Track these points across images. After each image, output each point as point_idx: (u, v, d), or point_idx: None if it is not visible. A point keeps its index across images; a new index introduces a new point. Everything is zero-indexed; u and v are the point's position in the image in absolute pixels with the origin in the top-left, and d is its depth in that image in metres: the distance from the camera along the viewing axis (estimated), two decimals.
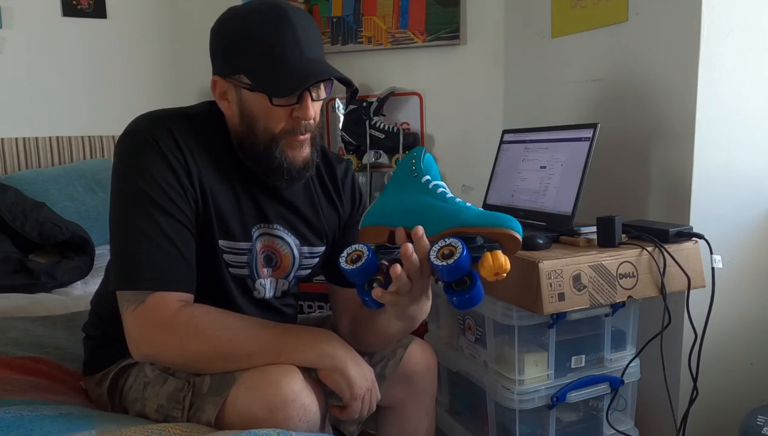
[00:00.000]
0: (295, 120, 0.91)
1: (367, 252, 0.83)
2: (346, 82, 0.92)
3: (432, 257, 0.79)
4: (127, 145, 0.90)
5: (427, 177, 0.91)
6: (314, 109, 0.91)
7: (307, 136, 0.93)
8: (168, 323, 0.85)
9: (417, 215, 0.86)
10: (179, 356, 0.87)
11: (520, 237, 0.81)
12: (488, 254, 0.78)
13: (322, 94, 0.93)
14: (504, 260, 0.78)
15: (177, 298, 0.86)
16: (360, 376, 0.91)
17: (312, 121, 0.92)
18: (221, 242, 0.94)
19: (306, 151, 0.95)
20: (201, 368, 0.87)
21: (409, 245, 0.79)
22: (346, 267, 0.83)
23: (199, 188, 0.91)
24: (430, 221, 0.85)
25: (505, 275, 0.79)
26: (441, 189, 0.89)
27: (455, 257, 0.77)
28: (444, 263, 0.78)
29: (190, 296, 0.89)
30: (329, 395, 0.92)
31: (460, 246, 0.78)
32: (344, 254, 0.85)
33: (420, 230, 0.81)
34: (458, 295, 0.80)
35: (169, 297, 0.85)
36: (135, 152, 0.88)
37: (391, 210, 0.89)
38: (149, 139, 0.88)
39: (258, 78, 0.88)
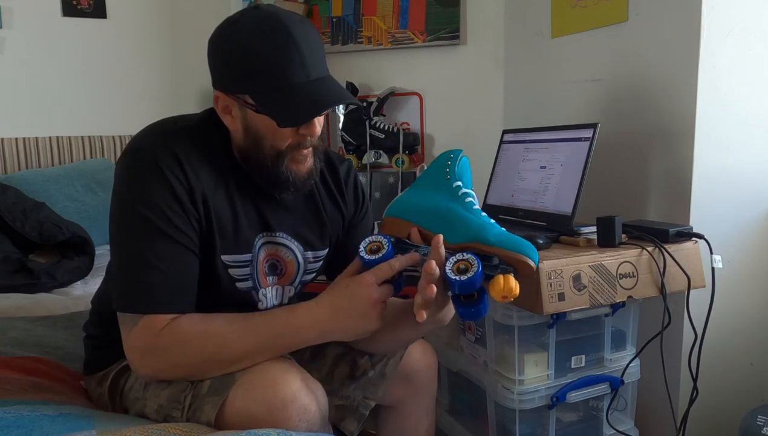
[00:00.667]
0: (301, 136, 0.90)
1: (387, 245, 0.86)
2: (355, 103, 0.93)
3: (447, 269, 0.81)
4: (129, 165, 0.89)
5: (459, 183, 0.92)
6: (319, 123, 0.92)
7: (311, 148, 0.93)
8: (154, 345, 0.85)
9: (441, 219, 0.88)
10: (174, 372, 0.88)
11: (535, 266, 0.82)
12: (501, 277, 0.80)
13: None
14: (514, 285, 0.80)
15: (169, 319, 0.86)
16: (359, 318, 0.85)
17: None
18: (225, 257, 0.94)
19: (310, 162, 0.95)
20: (200, 376, 0.87)
21: (433, 263, 0.80)
22: (366, 257, 0.86)
23: (202, 206, 0.90)
24: (453, 228, 0.86)
25: (513, 299, 0.81)
26: (470, 199, 0.90)
27: (469, 274, 0.79)
28: (458, 278, 0.80)
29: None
30: (331, 394, 0.92)
31: (477, 264, 0.80)
32: (365, 242, 0.87)
33: (440, 239, 0.82)
34: (464, 307, 0.83)
35: (158, 319, 0.85)
36: (137, 174, 0.88)
37: (417, 207, 0.91)
38: (151, 160, 0.87)
39: (264, 102, 0.86)
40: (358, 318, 0.85)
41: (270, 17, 0.86)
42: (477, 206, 0.89)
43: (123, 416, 0.94)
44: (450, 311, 0.89)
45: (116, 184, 0.90)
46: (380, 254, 0.85)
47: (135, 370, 0.90)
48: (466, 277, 0.79)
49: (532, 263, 0.82)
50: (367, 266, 0.86)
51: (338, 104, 0.89)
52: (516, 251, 0.82)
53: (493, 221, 0.87)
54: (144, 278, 0.86)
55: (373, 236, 0.88)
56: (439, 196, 0.91)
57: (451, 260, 0.82)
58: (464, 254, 0.82)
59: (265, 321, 0.87)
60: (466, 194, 0.90)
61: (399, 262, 0.85)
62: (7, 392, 0.95)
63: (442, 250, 0.82)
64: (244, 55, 0.85)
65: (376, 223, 1.17)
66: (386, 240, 0.86)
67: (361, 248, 0.87)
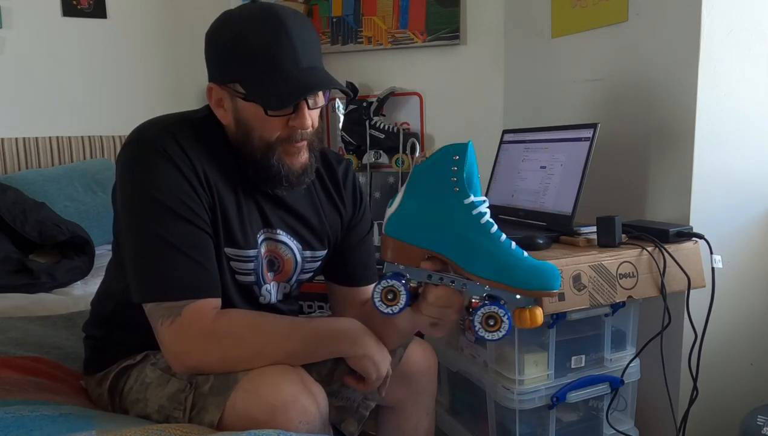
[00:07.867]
0: (291, 129, 0.90)
1: (404, 294, 0.81)
2: (344, 91, 0.92)
3: (476, 323, 0.80)
4: (134, 154, 0.88)
5: (472, 199, 0.80)
6: (312, 117, 0.91)
7: (304, 143, 0.92)
8: (209, 332, 0.85)
9: (459, 248, 0.80)
10: (221, 364, 0.86)
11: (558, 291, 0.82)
12: (527, 311, 0.80)
13: (320, 101, 0.92)
14: (540, 316, 0.81)
15: (211, 305, 0.86)
16: (384, 358, 0.95)
17: (309, 130, 0.91)
18: (227, 250, 0.94)
19: (304, 157, 0.93)
20: (241, 370, 0.86)
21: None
22: (384, 310, 0.82)
23: (209, 192, 0.90)
24: (473, 259, 0.80)
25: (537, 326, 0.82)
26: (485, 218, 0.81)
27: (501, 333, 0.80)
28: (489, 335, 0.80)
29: (219, 301, 0.89)
30: (331, 395, 0.92)
31: (507, 321, 0.80)
32: (378, 288, 0.81)
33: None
34: (488, 337, 0.82)
35: (204, 306, 0.86)
36: (144, 162, 0.87)
37: (425, 228, 0.81)
38: (157, 147, 0.86)
39: (252, 88, 0.86)
40: (378, 351, 0.94)
41: (265, 9, 0.87)
42: (496, 230, 0.81)
43: (123, 416, 0.94)
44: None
45: (123, 175, 0.89)
46: (397, 306, 0.81)
47: (178, 363, 0.87)
48: (496, 336, 0.80)
49: (555, 293, 0.81)
50: (382, 312, 0.82)
51: (325, 88, 0.87)
52: (542, 288, 0.79)
53: (513, 245, 0.81)
54: (173, 265, 0.85)
55: (386, 281, 0.81)
56: (451, 217, 0.80)
57: (478, 312, 0.80)
58: (490, 305, 0.79)
59: (310, 325, 0.92)
60: (481, 214, 0.81)
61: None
62: (7, 392, 0.95)
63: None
64: (236, 43, 0.86)
65: (375, 223, 1.17)
66: (402, 286, 0.81)
67: (376, 298, 0.82)
